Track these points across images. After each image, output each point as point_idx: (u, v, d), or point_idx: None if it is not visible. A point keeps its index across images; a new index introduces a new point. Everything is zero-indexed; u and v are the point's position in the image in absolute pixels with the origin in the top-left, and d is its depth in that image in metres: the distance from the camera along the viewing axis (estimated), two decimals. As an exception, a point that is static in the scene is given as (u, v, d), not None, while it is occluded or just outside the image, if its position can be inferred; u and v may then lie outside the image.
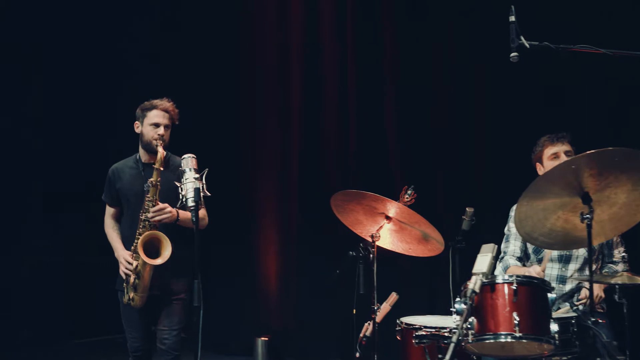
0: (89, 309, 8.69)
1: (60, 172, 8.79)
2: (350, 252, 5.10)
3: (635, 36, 5.77)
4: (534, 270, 4.63)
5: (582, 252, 4.84)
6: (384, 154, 7.73)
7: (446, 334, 4.28)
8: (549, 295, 3.79)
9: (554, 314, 3.87)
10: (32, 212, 9.05)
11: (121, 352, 5.63)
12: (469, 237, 4.84)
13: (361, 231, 5.08)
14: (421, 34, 7.56)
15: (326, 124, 8.13)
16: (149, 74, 8.72)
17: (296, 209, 8.27)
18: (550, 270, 4.86)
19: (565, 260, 4.87)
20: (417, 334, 4.38)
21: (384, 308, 5.08)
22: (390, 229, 4.98)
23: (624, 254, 4.19)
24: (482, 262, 3.67)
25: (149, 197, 4.89)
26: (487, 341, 3.72)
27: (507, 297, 3.71)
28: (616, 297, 4.03)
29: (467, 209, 5.03)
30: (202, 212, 4.99)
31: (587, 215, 3.70)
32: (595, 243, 4.14)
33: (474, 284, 3.60)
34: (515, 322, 3.63)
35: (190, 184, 4.49)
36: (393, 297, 5.14)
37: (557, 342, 3.67)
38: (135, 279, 4.91)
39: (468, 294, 3.58)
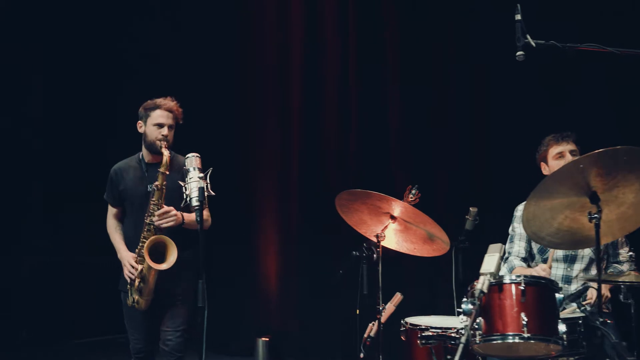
0: (89, 309, 8.66)
1: (60, 172, 8.76)
2: (354, 252, 5.08)
3: (635, 36, 5.77)
4: (540, 269, 4.62)
5: (587, 252, 4.84)
6: (384, 153, 7.74)
7: (453, 335, 4.25)
8: (557, 295, 3.78)
9: (561, 314, 3.86)
10: (32, 212, 9.03)
11: (121, 352, 5.61)
12: (472, 237, 4.85)
13: (365, 231, 5.07)
14: (421, 34, 7.57)
15: (326, 124, 8.13)
16: (149, 74, 8.69)
17: (296, 209, 8.27)
18: (556, 270, 4.85)
19: (570, 260, 4.87)
20: (423, 334, 4.35)
21: (389, 308, 5.06)
22: (395, 228, 4.96)
23: (631, 253, 4.18)
24: (489, 262, 3.64)
25: (154, 201, 4.83)
26: (495, 342, 3.70)
27: (515, 297, 3.69)
28: (621, 297, 4.02)
29: (470, 208, 5.03)
30: (206, 213, 4.90)
31: (596, 215, 3.69)
32: (603, 242, 4.11)
33: (482, 284, 3.57)
34: (524, 322, 3.61)
35: (194, 183, 4.44)
36: (397, 297, 5.12)
37: (565, 342, 3.66)
38: (140, 282, 4.86)
39: (476, 294, 3.54)
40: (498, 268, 3.63)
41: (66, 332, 8.82)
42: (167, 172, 4.84)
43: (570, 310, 4.17)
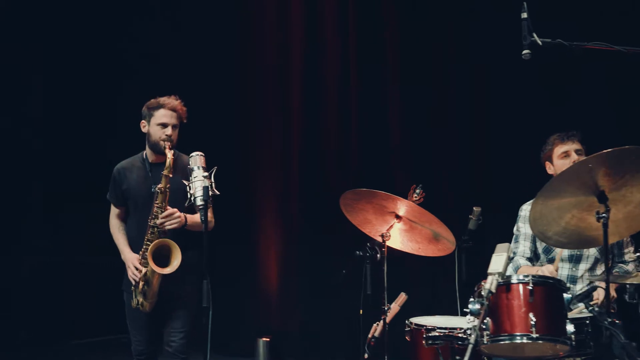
0: (89, 309, 8.66)
1: (60, 172, 8.74)
2: (357, 252, 5.06)
3: (635, 35, 5.78)
4: (547, 270, 4.62)
5: (592, 251, 4.84)
6: (384, 153, 7.73)
7: (460, 335, 4.22)
8: (565, 295, 3.77)
9: (569, 315, 3.86)
10: (32, 212, 9.01)
11: (121, 352, 5.59)
12: (475, 236, 4.85)
13: (370, 230, 5.03)
14: (421, 34, 7.56)
15: (326, 124, 8.12)
16: (149, 74, 8.68)
17: (297, 209, 8.25)
18: (561, 270, 4.84)
19: (575, 260, 4.86)
20: (429, 334, 4.33)
21: (393, 308, 5.04)
22: (400, 228, 4.94)
23: (638, 254, 4.17)
24: (497, 261, 3.64)
25: (157, 204, 4.78)
26: (502, 342, 3.69)
27: (522, 297, 3.69)
28: (626, 297, 4.02)
29: (474, 208, 5.02)
30: (209, 214, 4.79)
31: (604, 215, 3.69)
32: (610, 242, 4.12)
33: (490, 283, 3.56)
34: (532, 322, 3.61)
35: (198, 182, 4.40)
36: (402, 297, 5.10)
37: (573, 343, 3.65)
38: (144, 285, 4.83)
39: (484, 294, 3.54)
40: (506, 268, 3.63)
41: (66, 332, 8.80)
42: (171, 175, 4.78)
43: (577, 311, 4.17)
